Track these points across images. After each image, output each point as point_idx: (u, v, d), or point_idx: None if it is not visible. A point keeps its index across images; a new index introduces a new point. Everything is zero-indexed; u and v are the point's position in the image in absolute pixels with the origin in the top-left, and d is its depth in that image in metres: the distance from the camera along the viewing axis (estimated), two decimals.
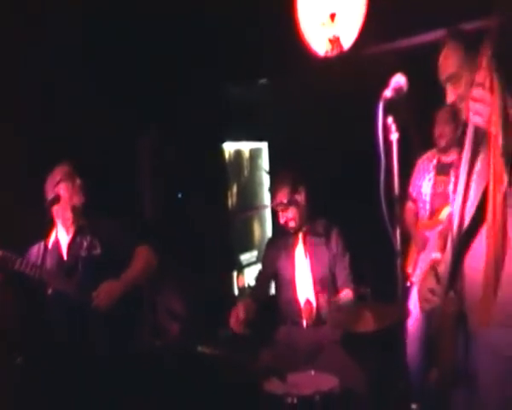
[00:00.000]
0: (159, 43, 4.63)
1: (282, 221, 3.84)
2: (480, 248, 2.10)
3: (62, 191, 3.44)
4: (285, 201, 3.74)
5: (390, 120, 1.98)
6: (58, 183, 3.45)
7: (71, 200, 3.47)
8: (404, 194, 4.26)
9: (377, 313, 3.09)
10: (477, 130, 2.06)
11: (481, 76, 1.93)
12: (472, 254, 2.20)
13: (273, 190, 3.92)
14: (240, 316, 3.55)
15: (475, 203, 2.12)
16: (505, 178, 1.89)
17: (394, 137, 1.97)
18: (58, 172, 3.50)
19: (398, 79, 2.09)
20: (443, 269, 2.34)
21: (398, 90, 2.06)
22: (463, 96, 2.18)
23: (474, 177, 2.13)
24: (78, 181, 3.52)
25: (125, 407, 3.34)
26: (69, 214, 3.50)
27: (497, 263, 1.97)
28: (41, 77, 4.01)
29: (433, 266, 2.48)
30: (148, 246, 3.62)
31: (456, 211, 2.20)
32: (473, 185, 2.13)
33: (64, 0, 3.93)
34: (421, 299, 2.45)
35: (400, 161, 1.99)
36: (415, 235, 4.28)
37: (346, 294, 3.67)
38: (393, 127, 1.97)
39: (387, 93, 2.05)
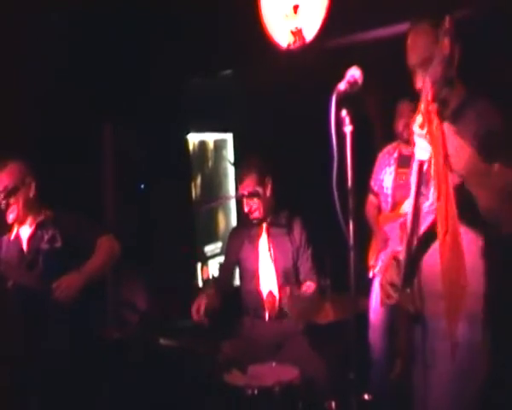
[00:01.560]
0: (123, 34, 4.60)
1: (246, 209, 3.82)
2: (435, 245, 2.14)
3: (10, 198, 3.40)
4: (251, 190, 3.73)
5: (344, 112, 1.98)
6: (3, 190, 3.39)
7: (16, 198, 3.42)
8: (359, 187, 4.28)
9: (337, 304, 3.12)
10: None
11: (421, 118, 2.00)
12: (429, 252, 2.24)
13: (239, 177, 3.87)
14: (201, 306, 3.54)
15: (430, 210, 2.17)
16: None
17: (348, 129, 1.97)
18: (3, 176, 3.43)
19: (353, 72, 2.09)
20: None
21: (352, 84, 2.06)
22: (434, 80, 2.21)
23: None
24: (26, 180, 3.45)
25: (86, 399, 3.32)
26: (17, 212, 3.45)
27: (451, 278, 2.02)
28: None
29: (395, 258, 2.50)
30: (110, 236, 3.60)
31: (408, 214, 2.25)
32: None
33: None
34: (383, 293, 2.47)
35: (356, 153, 2.00)
36: (377, 228, 4.31)
37: (308, 286, 3.68)
38: (347, 120, 1.98)
39: (341, 86, 2.05)
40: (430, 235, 2.19)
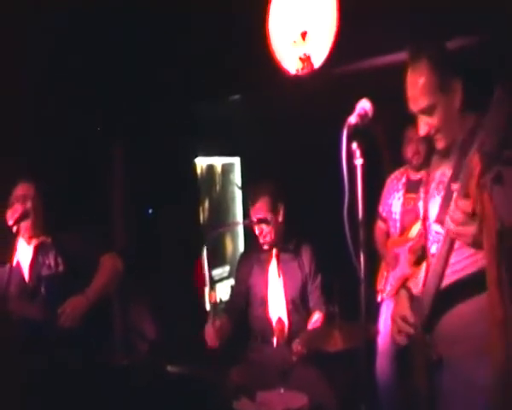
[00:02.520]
0: (133, 57, 4.64)
1: (257, 232, 3.80)
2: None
3: (18, 207, 3.41)
4: (261, 217, 3.70)
5: (354, 145, 1.98)
6: (14, 199, 3.45)
7: (32, 216, 3.44)
8: (370, 219, 4.28)
9: (345, 332, 3.10)
10: None
11: (467, 204, 1.85)
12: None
13: (252, 200, 3.80)
14: (215, 330, 3.53)
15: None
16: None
17: (359, 162, 1.97)
18: (16, 190, 3.49)
19: (364, 105, 2.08)
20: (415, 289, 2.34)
21: (363, 116, 2.05)
22: (438, 127, 2.16)
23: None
24: (34, 197, 3.49)
25: None
26: (28, 227, 3.46)
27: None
28: (11, 87, 3.98)
29: (406, 286, 2.47)
30: (112, 254, 3.58)
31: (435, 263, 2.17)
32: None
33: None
34: (394, 328, 2.40)
35: (366, 185, 2.00)
36: (385, 253, 4.30)
37: (315, 322, 3.67)
38: (358, 153, 1.97)
39: (352, 119, 2.04)
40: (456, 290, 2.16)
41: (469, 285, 2.12)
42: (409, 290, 2.45)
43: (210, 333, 3.53)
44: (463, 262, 2.14)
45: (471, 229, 1.88)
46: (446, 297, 2.18)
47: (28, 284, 3.49)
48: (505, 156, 1.77)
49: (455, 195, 1.97)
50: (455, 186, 2.02)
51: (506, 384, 1.92)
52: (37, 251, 3.50)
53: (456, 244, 2.05)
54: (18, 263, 3.50)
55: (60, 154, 4.25)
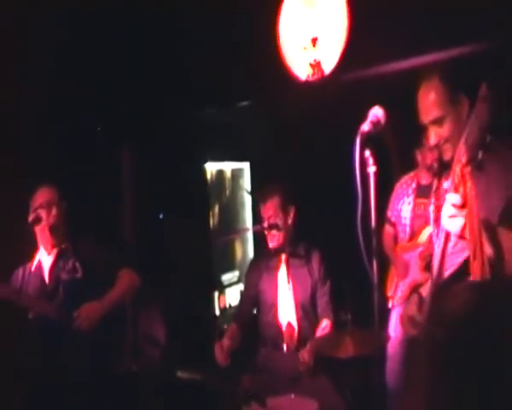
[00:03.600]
0: (142, 62, 4.65)
1: (266, 235, 3.80)
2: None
3: (43, 213, 3.45)
4: (271, 222, 3.69)
5: (367, 153, 1.98)
6: (39, 205, 3.47)
7: (51, 222, 3.48)
8: (382, 225, 4.28)
9: (357, 339, 3.09)
10: None
11: (454, 183, 1.98)
12: None
13: (262, 199, 3.81)
14: (224, 348, 3.54)
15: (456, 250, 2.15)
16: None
17: (372, 170, 1.97)
18: (39, 194, 3.53)
19: (376, 112, 2.10)
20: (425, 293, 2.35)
21: (375, 124, 2.07)
22: (447, 137, 2.22)
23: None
24: (58, 203, 3.53)
25: None
26: (49, 236, 3.50)
27: None
28: (22, 93, 4.00)
29: (416, 290, 2.48)
30: (130, 269, 3.63)
31: (435, 259, 2.21)
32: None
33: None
34: (403, 327, 2.45)
35: (378, 192, 2.00)
36: (394, 258, 4.29)
37: (324, 328, 3.66)
38: (371, 160, 1.97)
39: (365, 127, 2.05)
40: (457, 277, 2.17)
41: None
42: (419, 295, 2.46)
43: (219, 353, 3.54)
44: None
45: (460, 221, 1.97)
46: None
47: (48, 286, 3.53)
48: (486, 143, 1.94)
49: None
50: (447, 183, 2.15)
51: None
52: (59, 255, 3.56)
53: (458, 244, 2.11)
54: (39, 263, 3.58)
55: (71, 162, 4.26)
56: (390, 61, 4.02)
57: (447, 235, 2.10)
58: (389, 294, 4.29)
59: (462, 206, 1.95)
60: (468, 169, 1.91)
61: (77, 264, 3.53)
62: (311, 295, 3.74)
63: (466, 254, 2.16)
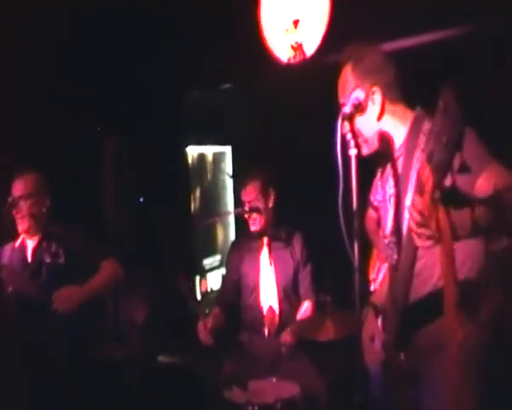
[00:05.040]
0: (123, 47, 4.60)
1: (246, 217, 3.81)
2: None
3: (18, 194, 3.42)
4: (252, 205, 3.71)
5: (349, 135, 1.97)
6: (19, 195, 3.46)
7: (32, 212, 3.45)
8: (365, 209, 4.28)
9: (337, 321, 3.10)
10: None
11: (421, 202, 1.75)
12: None
13: (243, 184, 3.84)
14: (207, 327, 3.54)
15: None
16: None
17: (353, 152, 1.96)
18: (20, 183, 3.50)
19: (358, 95, 2.09)
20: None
21: (357, 106, 2.06)
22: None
23: None
24: (41, 193, 3.52)
25: None
26: (29, 221, 3.47)
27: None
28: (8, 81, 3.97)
29: (371, 303, 2.46)
30: (114, 260, 3.61)
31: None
32: None
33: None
34: (366, 351, 2.33)
35: (360, 175, 1.99)
36: (376, 241, 4.29)
37: (306, 309, 3.68)
38: (352, 143, 1.96)
39: (346, 109, 2.04)
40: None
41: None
42: (375, 307, 2.44)
43: (203, 333, 3.54)
44: (437, 274, 2.07)
45: (427, 231, 1.79)
46: (420, 310, 2.13)
47: (30, 265, 3.54)
48: (457, 164, 1.69)
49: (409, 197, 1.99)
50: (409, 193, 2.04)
51: None
52: (43, 238, 3.55)
53: (430, 257, 2.04)
54: (23, 242, 3.58)
55: (50, 143, 4.23)
56: (372, 43, 4.01)
57: (415, 248, 2.00)
58: (371, 277, 4.30)
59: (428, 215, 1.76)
60: (438, 193, 1.69)
61: (60, 250, 3.51)
62: (292, 278, 3.75)
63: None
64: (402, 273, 2.10)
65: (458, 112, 1.62)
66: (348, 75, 2.22)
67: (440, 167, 1.65)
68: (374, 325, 2.37)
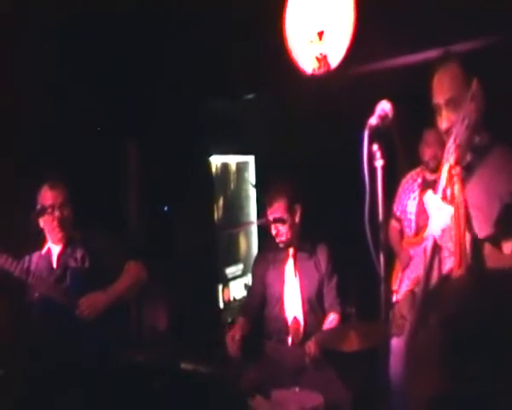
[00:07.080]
0: (147, 56, 4.64)
1: (273, 233, 3.81)
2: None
3: (48, 204, 3.47)
4: (277, 217, 3.72)
5: (375, 147, 1.97)
6: (48, 205, 3.50)
7: (57, 212, 3.49)
8: (389, 220, 4.27)
9: (362, 332, 3.10)
10: None
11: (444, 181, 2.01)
12: None
13: (268, 201, 3.82)
14: (236, 338, 3.55)
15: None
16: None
17: (379, 164, 1.96)
18: (47, 185, 3.56)
19: (384, 106, 2.08)
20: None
21: (383, 118, 2.05)
22: (458, 143, 2.18)
23: None
24: (66, 202, 3.57)
25: None
26: (56, 227, 3.52)
27: None
28: (27, 88, 4.01)
29: (413, 290, 2.48)
30: (138, 262, 3.66)
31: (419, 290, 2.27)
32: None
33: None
34: (393, 324, 2.45)
35: (386, 186, 1.99)
36: (399, 253, 4.28)
37: (332, 321, 3.67)
38: (378, 154, 1.97)
39: (373, 121, 2.04)
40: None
41: None
42: (413, 293, 2.47)
43: (231, 345, 3.56)
44: None
45: (445, 221, 2.01)
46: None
47: (55, 271, 3.60)
48: (475, 145, 2.00)
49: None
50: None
51: None
52: (67, 244, 3.62)
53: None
54: (49, 249, 3.64)
55: (77, 155, 4.27)
56: (397, 55, 4.01)
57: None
58: (394, 288, 4.28)
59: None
60: (456, 170, 1.91)
61: (85, 254, 3.59)
62: (317, 290, 3.74)
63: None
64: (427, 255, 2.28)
65: (482, 101, 1.96)
66: (454, 71, 2.27)
67: (462, 146, 1.95)
68: (406, 307, 2.45)
